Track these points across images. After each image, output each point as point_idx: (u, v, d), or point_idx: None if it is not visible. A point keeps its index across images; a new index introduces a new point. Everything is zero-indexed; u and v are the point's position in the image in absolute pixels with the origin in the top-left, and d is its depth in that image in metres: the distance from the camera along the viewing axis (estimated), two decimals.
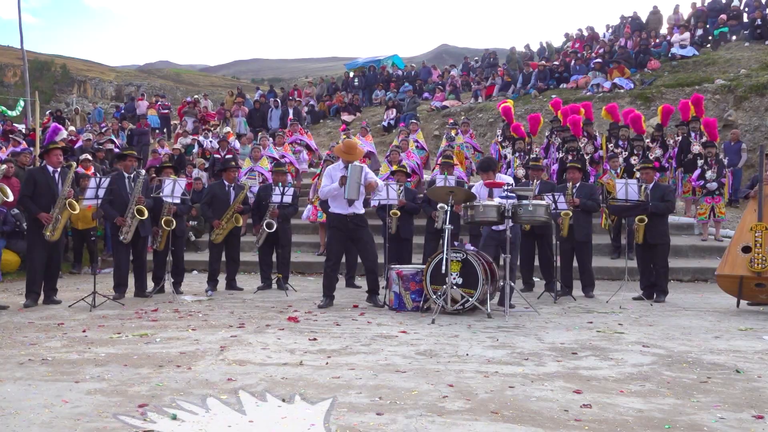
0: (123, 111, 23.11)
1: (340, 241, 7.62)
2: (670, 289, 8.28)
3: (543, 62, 20.82)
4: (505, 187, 7.04)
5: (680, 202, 12.14)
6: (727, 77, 16.97)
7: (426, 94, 22.48)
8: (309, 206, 11.84)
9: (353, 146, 7.80)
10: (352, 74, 26.56)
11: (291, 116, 19.06)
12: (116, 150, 14.57)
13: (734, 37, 19.80)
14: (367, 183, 7.44)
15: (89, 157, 12.00)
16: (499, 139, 13.80)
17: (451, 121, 16.82)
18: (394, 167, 10.51)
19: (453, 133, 14.00)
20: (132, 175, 8.13)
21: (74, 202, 7.51)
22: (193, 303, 7.82)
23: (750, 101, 15.77)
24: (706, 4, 21.02)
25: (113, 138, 16.38)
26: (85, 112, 24.77)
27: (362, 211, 7.61)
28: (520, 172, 12.00)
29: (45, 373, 4.44)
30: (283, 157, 13.50)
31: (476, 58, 27.15)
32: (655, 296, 8.07)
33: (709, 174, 11.28)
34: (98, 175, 8.97)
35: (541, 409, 3.65)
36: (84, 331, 5.95)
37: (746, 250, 7.30)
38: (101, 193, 7.53)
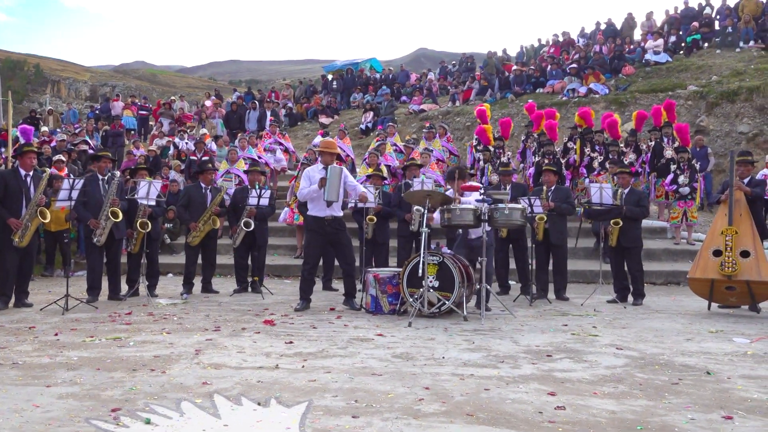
0: (97, 112, 22.83)
1: (318, 244, 7.60)
2: (644, 291, 8.37)
3: (519, 67, 20.96)
4: (481, 191, 7.08)
5: (653, 206, 12.32)
6: (699, 84, 17.26)
7: (404, 98, 22.52)
8: (286, 209, 11.81)
9: (331, 144, 7.83)
10: (330, 77, 26.53)
11: (270, 118, 19.00)
12: (90, 151, 14.39)
13: (706, 44, 20.15)
14: (359, 195, 7.63)
15: (62, 158, 11.84)
16: (475, 143, 13.88)
17: (428, 124, 16.88)
18: (371, 170, 10.51)
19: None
20: (106, 177, 8.04)
21: (45, 210, 7.39)
22: (168, 306, 7.74)
23: (721, 107, 16.05)
24: (679, 12, 21.36)
25: (87, 139, 16.16)
26: (58, 113, 24.41)
27: (341, 213, 7.61)
28: (494, 177, 12.09)
29: (15, 378, 4.36)
30: (259, 158, 13.46)
31: (453, 62, 27.27)
32: (632, 300, 8.18)
33: (681, 179, 11.46)
34: (71, 176, 8.84)
35: (516, 411, 3.68)
36: (56, 335, 5.86)
37: (717, 253, 7.44)
38: (74, 194, 7.43)
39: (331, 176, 7.27)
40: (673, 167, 11.69)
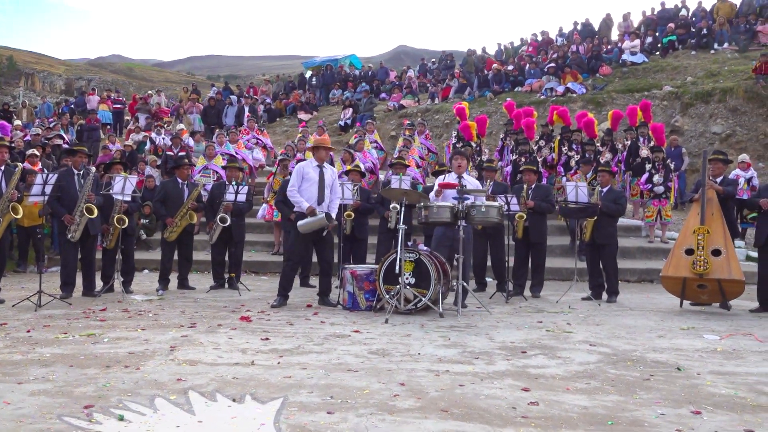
0: (72, 105, 22.52)
1: (304, 241, 7.54)
2: (618, 289, 8.48)
3: (498, 65, 21.08)
4: (458, 188, 7.11)
5: (628, 204, 12.47)
6: (674, 84, 17.52)
7: (383, 95, 22.54)
8: (264, 205, 11.75)
9: (325, 139, 7.80)
10: (309, 73, 26.44)
11: (248, 114, 18.89)
12: (65, 146, 14.18)
13: (682, 46, 20.44)
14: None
15: (36, 152, 11.66)
16: (453, 141, 13.94)
17: (407, 122, 16.92)
18: (348, 167, 10.51)
19: (408, 133, 14.11)
20: (81, 172, 7.94)
21: (17, 205, 7.28)
22: (143, 302, 7.68)
23: (696, 108, 16.31)
24: (655, 13, 21.64)
25: (62, 133, 15.93)
26: (32, 106, 24.03)
27: (329, 211, 7.58)
28: (474, 174, 12.14)
29: None
30: (237, 153, 13.38)
31: (433, 59, 27.35)
32: (607, 297, 8.29)
33: (656, 178, 11.63)
34: (45, 171, 8.72)
35: (490, 407, 3.72)
36: (28, 331, 5.79)
37: (689, 252, 7.55)
38: (48, 189, 7.32)
39: (317, 220, 7.23)
40: (648, 166, 11.86)
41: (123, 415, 3.50)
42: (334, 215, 7.65)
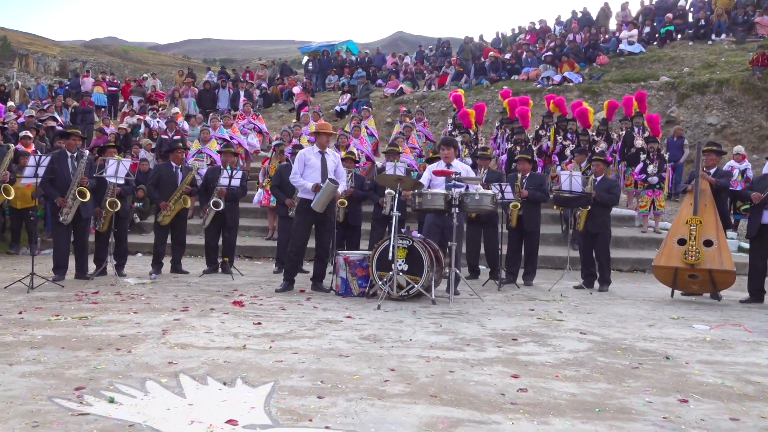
0: (67, 87, 22.36)
1: (306, 226, 7.55)
2: (610, 278, 8.52)
3: (495, 53, 21.01)
4: (453, 176, 7.12)
5: (622, 194, 12.50)
6: (671, 75, 17.50)
7: (379, 81, 22.45)
8: (260, 190, 11.73)
9: (326, 125, 7.79)
10: (305, 59, 26.30)
11: (243, 99, 18.80)
12: (58, 128, 14.11)
13: (679, 36, 20.40)
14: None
15: (30, 134, 11.60)
16: (450, 128, 13.92)
17: (404, 109, 16.87)
18: (343, 153, 10.49)
19: (408, 120, 14.10)
20: (75, 155, 7.90)
21: (9, 186, 7.26)
22: (136, 286, 7.68)
23: (692, 99, 16.31)
24: (653, 3, 21.57)
25: (56, 115, 15.84)
26: (25, 87, 23.85)
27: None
28: (468, 161, 12.14)
29: None
30: (231, 138, 13.34)
31: (430, 46, 27.23)
32: (598, 286, 8.33)
33: (650, 168, 11.65)
34: (38, 153, 8.69)
35: (479, 393, 3.74)
36: (20, 313, 5.79)
37: (681, 242, 7.59)
38: (41, 171, 7.29)
39: (325, 190, 7.20)
40: (642, 157, 11.87)
41: (113, 398, 3.51)
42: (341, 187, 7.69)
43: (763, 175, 8.34)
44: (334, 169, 7.55)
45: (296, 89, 20.58)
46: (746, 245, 9.08)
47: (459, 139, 13.14)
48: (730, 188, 8.56)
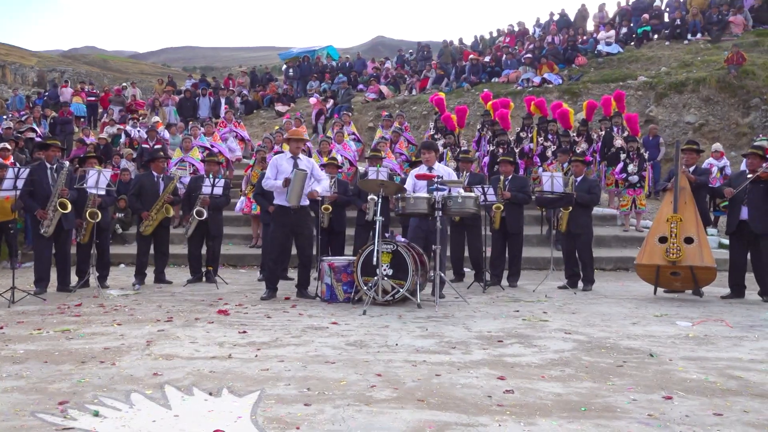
0: (45, 98, 22.14)
1: (283, 233, 7.53)
2: (594, 277, 8.58)
3: (475, 56, 21.11)
4: (435, 180, 7.14)
5: (604, 194, 12.61)
6: (648, 74, 17.69)
7: (360, 86, 22.47)
8: (242, 198, 11.68)
9: (298, 131, 7.80)
10: (285, 66, 26.25)
11: (225, 106, 18.73)
12: (38, 139, 13.96)
13: (656, 36, 20.64)
14: (309, 192, 7.41)
15: (8, 146, 11.46)
16: (432, 132, 13.96)
17: (386, 113, 16.90)
18: (325, 159, 10.49)
19: (397, 125, 14.13)
20: (54, 166, 7.82)
21: None
22: (119, 297, 7.61)
23: (669, 98, 16.50)
24: (630, 3, 21.79)
25: (34, 126, 15.67)
26: (3, 99, 23.59)
27: (307, 203, 7.56)
28: (452, 164, 12.19)
29: None
30: (212, 146, 13.29)
31: (410, 50, 27.30)
32: (582, 286, 8.39)
33: (631, 167, 11.77)
34: (17, 165, 8.59)
35: (466, 396, 3.76)
36: (1, 328, 5.71)
37: (662, 240, 7.66)
38: (20, 184, 7.20)
39: (295, 180, 7.16)
40: (622, 156, 11.99)
41: (98, 411, 3.48)
42: (324, 193, 7.69)
43: (740, 171, 8.46)
44: (310, 172, 7.52)
45: (312, 100, 20.26)
46: (726, 241, 9.19)
47: (441, 142, 13.21)
48: (709, 185, 8.68)
